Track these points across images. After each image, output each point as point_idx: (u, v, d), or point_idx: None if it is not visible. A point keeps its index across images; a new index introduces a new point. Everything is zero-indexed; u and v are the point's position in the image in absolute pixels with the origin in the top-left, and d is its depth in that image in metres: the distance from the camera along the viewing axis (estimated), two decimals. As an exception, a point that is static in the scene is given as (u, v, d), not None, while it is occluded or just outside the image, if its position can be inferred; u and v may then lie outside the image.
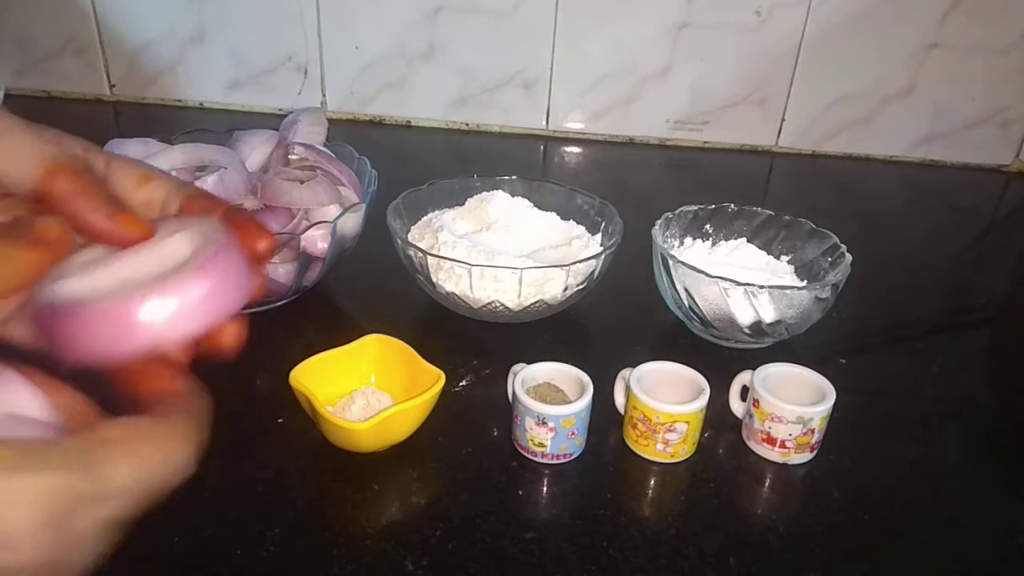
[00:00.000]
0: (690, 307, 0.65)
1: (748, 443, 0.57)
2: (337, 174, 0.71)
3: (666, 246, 0.70)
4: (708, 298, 0.64)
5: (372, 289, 0.74)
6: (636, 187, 1.02)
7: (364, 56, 1.10)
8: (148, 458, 0.24)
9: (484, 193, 0.77)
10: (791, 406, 0.54)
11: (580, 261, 0.65)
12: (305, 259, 0.65)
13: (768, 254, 0.73)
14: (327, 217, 0.66)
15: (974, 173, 1.10)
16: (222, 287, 0.27)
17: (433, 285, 0.66)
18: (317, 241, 0.65)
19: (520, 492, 0.52)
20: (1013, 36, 1.02)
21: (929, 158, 1.11)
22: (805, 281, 0.70)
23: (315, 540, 0.48)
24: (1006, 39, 1.02)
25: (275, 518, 0.49)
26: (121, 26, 1.10)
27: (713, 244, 0.74)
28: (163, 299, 0.26)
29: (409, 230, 0.73)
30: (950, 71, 1.04)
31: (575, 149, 1.12)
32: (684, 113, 1.10)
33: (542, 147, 1.11)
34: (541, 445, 0.54)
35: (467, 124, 1.14)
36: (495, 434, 0.57)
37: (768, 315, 0.63)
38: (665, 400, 0.54)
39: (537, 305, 0.66)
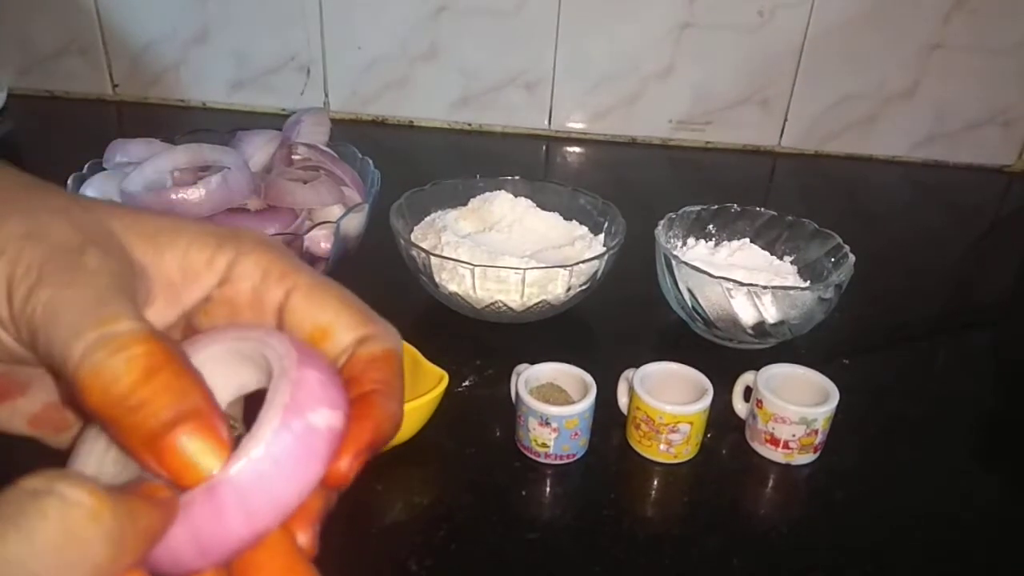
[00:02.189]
0: (693, 307, 0.65)
1: (751, 444, 0.57)
2: (340, 174, 0.71)
3: (669, 246, 0.70)
4: (711, 299, 0.64)
5: (375, 289, 0.73)
6: (639, 187, 1.02)
7: (366, 56, 1.10)
8: None
9: (487, 193, 0.77)
10: (794, 407, 0.54)
11: (583, 261, 0.65)
12: (308, 259, 0.65)
13: (771, 254, 0.73)
14: (330, 217, 0.66)
15: (977, 173, 1.10)
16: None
17: (436, 285, 0.66)
18: (320, 241, 0.65)
19: (523, 492, 0.52)
20: (1016, 36, 1.02)
21: (932, 158, 1.11)
22: (808, 282, 0.70)
23: (318, 540, 0.48)
24: (1009, 39, 1.02)
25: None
26: (124, 26, 1.10)
27: (716, 244, 0.74)
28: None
29: (412, 230, 0.73)
30: (953, 71, 1.04)
31: (577, 149, 1.12)
32: (686, 113, 1.10)
33: (544, 147, 1.11)
34: (544, 445, 0.54)
35: (470, 124, 1.14)
36: (498, 434, 0.57)
37: (771, 316, 0.63)
38: (668, 401, 0.54)
39: (540, 305, 0.66)
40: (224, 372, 0.24)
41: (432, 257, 0.64)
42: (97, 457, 0.23)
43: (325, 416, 0.22)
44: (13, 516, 0.16)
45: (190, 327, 0.25)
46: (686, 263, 0.64)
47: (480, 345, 0.66)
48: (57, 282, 0.20)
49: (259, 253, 0.25)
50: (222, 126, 0.79)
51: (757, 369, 0.58)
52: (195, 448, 0.19)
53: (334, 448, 0.22)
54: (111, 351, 0.19)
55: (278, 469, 0.21)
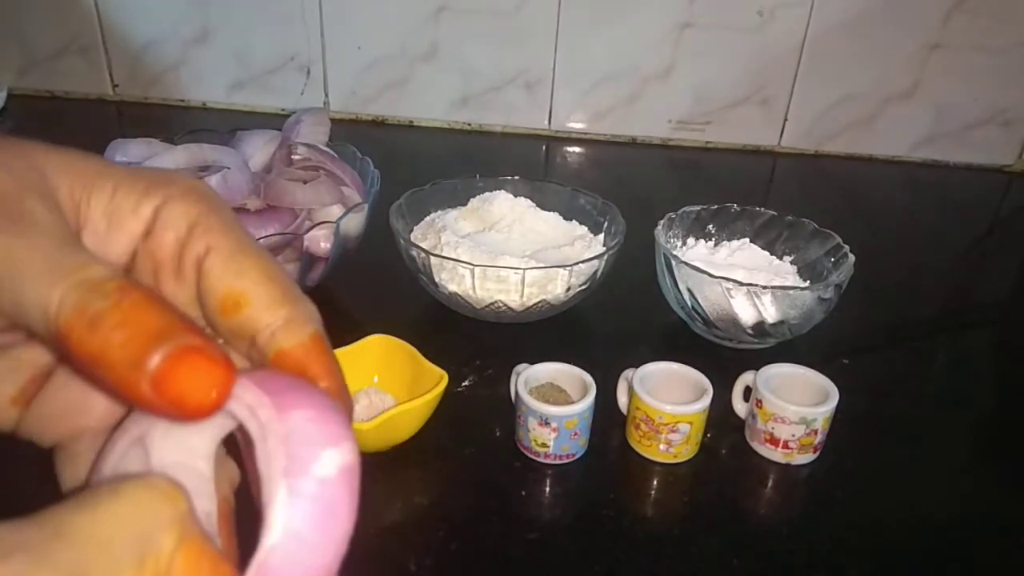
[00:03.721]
0: (693, 307, 0.65)
1: (751, 444, 0.57)
2: (340, 174, 0.71)
3: (669, 246, 0.70)
4: (711, 298, 0.64)
5: (375, 289, 0.74)
6: (639, 187, 1.02)
7: (366, 56, 1.10)
8: None
9: (487, 193, 0.77)
10: (794, 407, 0.54)
11: (583, 261, 0.65)
12: (308, 259, 0.65)
13: (771, 254, 0.73)
14: (330, 217, 0.66)
15: (977, 173, 1.10)
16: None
17: (436, 285, 0.66)
18: (320, 241, 0.65)
19: (523, 492, 0.52)
20: (1016, 36, 1.02)
21: (932, 158, 1.11)
22: (808, 281, 0.70)
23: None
24: (1009, 39, 1.02)
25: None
26: (124, 26, 1.11)
27: (716, 244, 0.74)
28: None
29: (412, 230, 0.73)
30: (953, 71, 1.04)
31: (577, 149, 1.12)
32: (686, 113, 1.10)
33: (544, 147, 1.11)
34: (544, 445, 0.54)
35: (469, 124, 1.14)
36: (498, 434, 0.57)
37: (771, 315, 0.63)
38: (668, 400, 0.54)
39: (540, 305, 0.66)
40: (186, 435, 0.22)
41: (432, 257, 0.64)
42: (112, 464, 0.22)
43: (332, 459, 0.19)
44: (94, 495, 0.17)
45: None
46: (686, 263, 0.64)
47: (480, 345, 0.66)
48: (8, 231, 0.19)
49: (189, 202, 0.22)
50: (222, 126, 0.79)
51: (757, 369, 0.58)
52: (195, 364, 0.18)
53: (355, 484, 0.20)
54: (91, 291, 0.18)
55: (305, 543, 0.19)
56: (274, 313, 0.22)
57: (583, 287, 0.67)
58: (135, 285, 0.19)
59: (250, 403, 0.20)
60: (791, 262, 0.72)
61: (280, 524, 0.19)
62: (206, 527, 0.20)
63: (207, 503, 0.22)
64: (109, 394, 0.23)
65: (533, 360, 0.57)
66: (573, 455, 0.55)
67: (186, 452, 0.22)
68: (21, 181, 0.20)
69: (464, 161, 1.09)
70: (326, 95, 1.13)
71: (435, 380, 0.53)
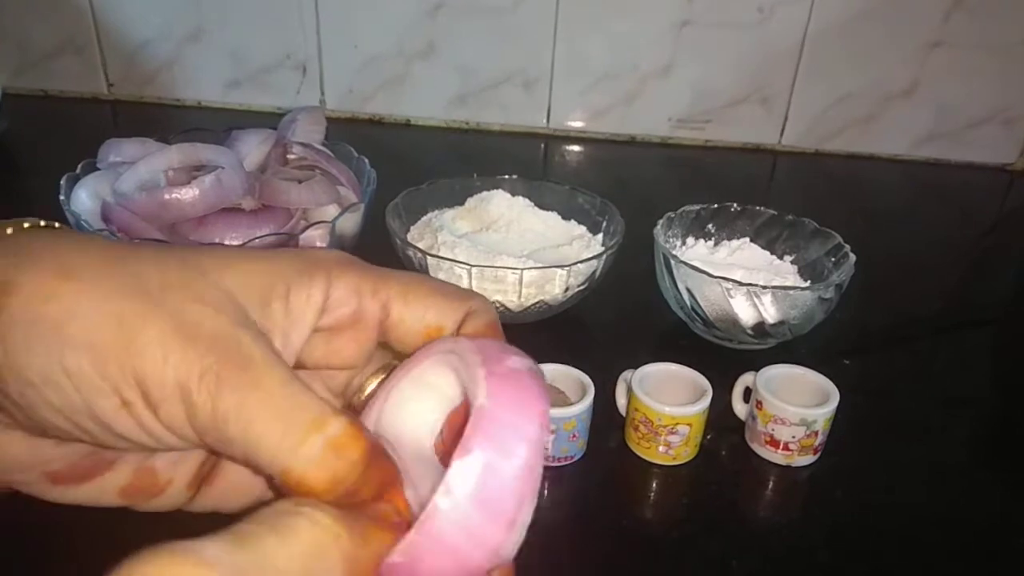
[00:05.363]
0: (692, 308, 0.65)
1: (751, 445, 0.57)
2: (336, 173, 0.71)
3: (668, 246, 0.69)
4: (710, 299, 0.63)
5: (371, 289, 0.74)
6: (638, 186, 1.02)
7: (363, 54, 1.09)
8: None
9: (484, 192, 0.76)
10: (794, 408, 0.53)
11: (581, 261, 0.65)
12: (303, 259, 0.65)
13: (771, 254, 0.72)
14: (326, 217, 0.66)
15: (978, 172, 1.09)
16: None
17: (433, 285, 0.66)
18: (316, 241, 0.64)
19: (520, 495, 0.52)
20: (1017, 34, 1.01)
21: (933, 157, 1.10)
22: (808, 281, 0.69)
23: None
24: (1010, 37, 1.02)
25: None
26: (119, 25, 1.10)
27: (715, 244, 0.73)
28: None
29: (408, 230, 0.73)
30: (954, 69, 1.04)
31: (576, 148, 1.11)
32: (686, 111, 1.10)
33: (543, 146, 1.11)
34: (542, 448, 0.53)
35: (467, 123, 1.13)
36: (495, 436, 0.56)
37: (771, 316, 0.62)
38: (667, 402, 0.53)
39: (538, 306, 0.65)
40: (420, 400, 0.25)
41: (429, 257, 0.64)
42: None
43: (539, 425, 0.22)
44: (273, 525, 0.19)
45: (298, 366, 0.25)
46: (685, 263, 0.63)
47: (477, 346, 0.66)
48: (238, 384, 0.20)
49: (348, 275, 0.25)
50: (218, 125, 0.78)
51: (757, 370, 0.57)
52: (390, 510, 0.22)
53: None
54: (333, 452, 0.20)
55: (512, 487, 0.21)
56: (460, 316, 0.26)
57: (581, 287, 0.67)
58: (373, 445, 0.21)
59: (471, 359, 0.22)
60: (791, 262, 0.72)
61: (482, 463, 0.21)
62: (415, 510, 0.22)
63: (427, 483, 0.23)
64: None
65: (531, 361, 0.56)
66: (571, 457, 0.54)
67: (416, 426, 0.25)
68: (228, 315, 0.22)
69: (461, 160, 1.09)
70: (322, 93, 1.12)
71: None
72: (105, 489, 0.24)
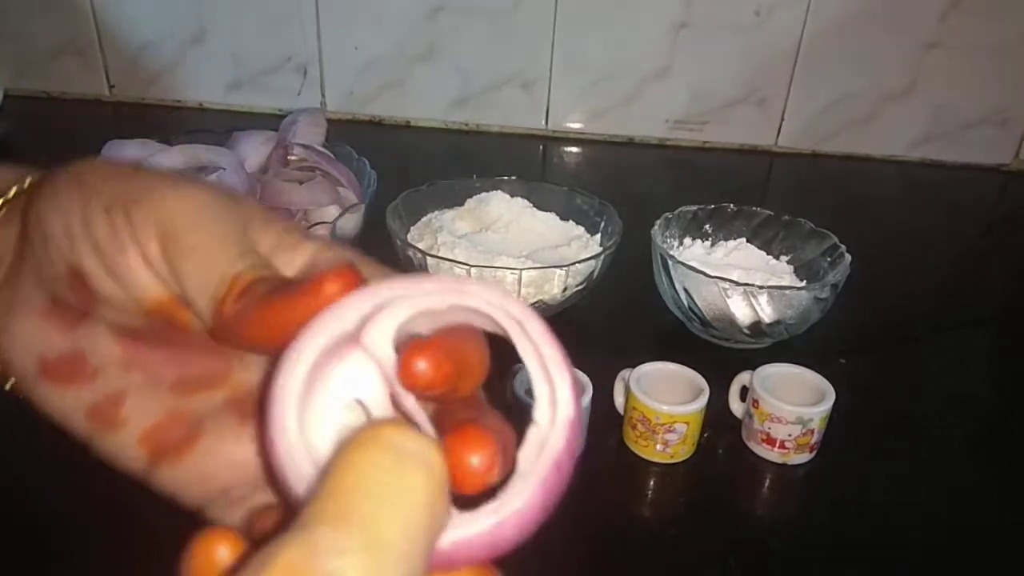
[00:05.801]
0: (689, 307, 0.65)
1: (748, 444, 0.57)
2: (336, 175, 0.71)
3: (665, 246, 0.70)
4: (707, 298, 0.64)
5: (371, 290, 0.74)
6: (635, 187, 1.02)
7: (363, 56, 1.10)
8: None
9: (483, 193, 0.77)
10: (790, 407, 0.54)
11: (579, 262, 0.65)
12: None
13: (768, 254, 0.73)
14: (326, 218, 0.66)
15: (974, 172, 1.10)
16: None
17: (432, 286, 0.66)
18: (316, 242, 0.65)
19: (519, 493, 0.52)
20: (1013, 35, 1.02)
21: (929, 157, 1.11)
22: (805, 281, 0.70)
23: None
24: (1006, 38, 1.02)
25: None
26: (121, 27, 1.10)
27: (712, 244, 0.74)
28: None
29: (408, 231, 0.73)
30: (950, 70, 1.04)
31: (574, 149, 1.11)
32: (683, 113, 1.10)
33: (541, 147, 1.11)
34: (540, 446, 0.53)
35: (466, 124, 1.14)
36: (494, 435, 0.57)
37: (767, 315, 0.63)
38: (664, 401, 0.54)
39: (536, 305, 0.66)
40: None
41: (428, 258, 0.64)
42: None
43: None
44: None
45: None
46: (682, 263, 0.64)
47: (476, 345, 0.66)
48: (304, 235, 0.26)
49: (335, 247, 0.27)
50: (219, 127, 0.79)
51: (753, 369, 0.58)
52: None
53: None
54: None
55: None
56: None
57: (580, 287, 0.67)
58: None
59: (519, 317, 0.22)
60: (788, 262, 0.72)
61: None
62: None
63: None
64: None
65: (529, 360, 0.57)
66: (570, 455, 0.54)
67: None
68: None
69: (461, 161, 1.09)
70: (323, 95, 1.13)
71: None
72: (79, 400, 0.25)
